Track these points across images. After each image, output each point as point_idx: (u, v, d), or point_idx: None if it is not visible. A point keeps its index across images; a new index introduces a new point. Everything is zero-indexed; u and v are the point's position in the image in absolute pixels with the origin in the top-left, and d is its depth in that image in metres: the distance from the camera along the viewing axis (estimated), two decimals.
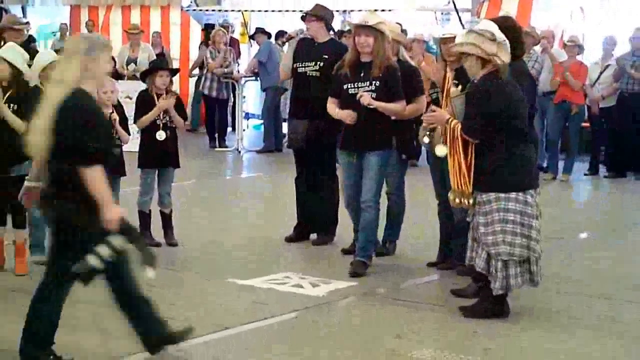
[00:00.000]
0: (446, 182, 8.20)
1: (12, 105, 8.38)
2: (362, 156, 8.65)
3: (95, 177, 5.75)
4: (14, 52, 8.53)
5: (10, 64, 8.39)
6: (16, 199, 8.34)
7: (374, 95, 8.51)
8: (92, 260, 5.76)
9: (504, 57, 7.19)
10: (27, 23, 12.56)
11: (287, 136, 10.09)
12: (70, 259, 5.85)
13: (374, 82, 8.54)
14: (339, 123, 8.86)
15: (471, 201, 7.24)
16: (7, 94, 8.39)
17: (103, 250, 5.77)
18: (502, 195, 7.14)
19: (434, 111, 7.59)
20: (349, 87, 8.64)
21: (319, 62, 9.66)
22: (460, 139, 7.17)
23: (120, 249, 5.88)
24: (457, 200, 7.32)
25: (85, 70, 5.85)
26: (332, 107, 8.79)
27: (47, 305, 6.07)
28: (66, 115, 5.74)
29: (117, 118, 9.24)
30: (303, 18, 10.10)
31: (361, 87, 8.57)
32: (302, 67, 9.81)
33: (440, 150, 7.52)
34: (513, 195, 7.15)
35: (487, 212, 7.16)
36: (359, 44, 8.51)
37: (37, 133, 5.83)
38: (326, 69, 9.45)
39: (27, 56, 8.67)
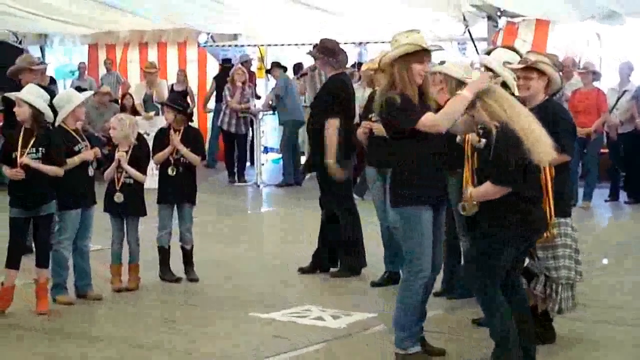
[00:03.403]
0: (452, 213, 8.26)
1: (40, 149, 8.44)
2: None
3: None
4: (34, 94, 8.58)
5: (30, 105, 8.45)
6: (44, 237, 8.48)
7: None
8: None
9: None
10: (44, 63, 12.46)
11: None
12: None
13: None
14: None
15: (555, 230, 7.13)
16: (33, 140, 8.45)
17: None
18: (562, 220, 7.18)
19: None
20: None
21: (314, 98, 9.97)
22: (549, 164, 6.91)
23: None
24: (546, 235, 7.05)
25: None
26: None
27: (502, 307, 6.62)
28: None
29: (125, 157, 9.31)
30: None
31: None
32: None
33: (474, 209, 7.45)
34: (568, 220, 7.25)
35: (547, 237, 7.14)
36: (421, 73, 6.86)
37: (548, 143, 6.46)
38: (315, 105, 10.05)
39: (47, 97, 8.72)
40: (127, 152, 9.39)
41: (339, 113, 9.71)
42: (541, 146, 6.42)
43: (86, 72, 22.19)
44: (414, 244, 6.83)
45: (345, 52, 10.21)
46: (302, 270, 10.07)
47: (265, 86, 21.12)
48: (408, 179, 6.81)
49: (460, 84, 7.44)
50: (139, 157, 9.47)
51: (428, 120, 6.67)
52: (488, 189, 6.50)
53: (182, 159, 9.68)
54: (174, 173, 9.66)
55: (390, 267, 9.44)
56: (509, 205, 6.49)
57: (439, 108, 6.97)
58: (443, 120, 6.68)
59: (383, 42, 14.96)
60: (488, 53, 8.26)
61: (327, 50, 9.92)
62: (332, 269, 10.02)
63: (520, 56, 7.65)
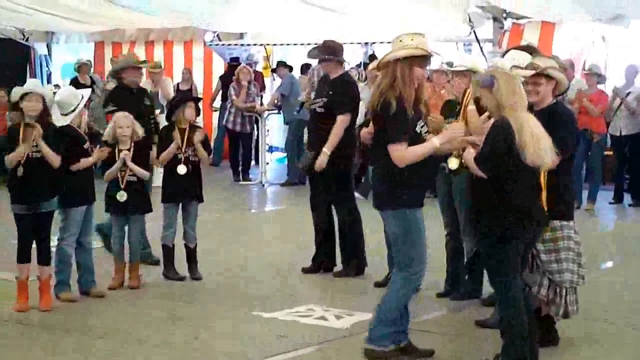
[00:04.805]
0: (456, 212, 8.30)
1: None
2: None
3: None
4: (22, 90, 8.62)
5: (44, 101, 8.51)
6: (45, 235, 8.51)
7: None
8: None
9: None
10: (145, 61, 12.03)
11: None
12: None
13: None
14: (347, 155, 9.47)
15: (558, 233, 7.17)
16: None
17: None
18: (565, 223, 7.17)
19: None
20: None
21: (323, 99, 9.83)
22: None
23: None
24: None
25: None
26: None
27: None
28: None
29: (129, 155, 9.32)
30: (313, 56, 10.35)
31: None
32: (313, 103, 10.01)
33: (453, 163, 7.48)
34: (571, 223, 7.23)
35: (550, 239, 7.14)
36: (420, 77, 6.98)
37: (543, 147, 6.48)
38: (329, 105, 9.79)
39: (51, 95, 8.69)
40: (129, 150, 9.40)
41: (351, 111, 9.79)
42: (533, 147, 6.45)
43: (91, 70, 22.07)
44: (414, 245, 6.89)
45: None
46: (305, 270, 10.09)
47: (270, 85, 21.14)
48: (408, 180, 6.83)
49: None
50: (142, 154, 9.50)
51: (398, 151, 6.75)
52: (471, 162, 6.63)
53: (190, 157, 9.70)
54: (185, 172, 9.67)
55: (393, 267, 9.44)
56: (509, 205, 6.51)
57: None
58: (407, 159, 6.76)
59: (389, 42, 14.95)
60: (503, 55, 8.27)
61: (334, 51, 9.96)
62: (335, 269, 10.04)
63: (531, 53, 7.66)
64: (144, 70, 11.60)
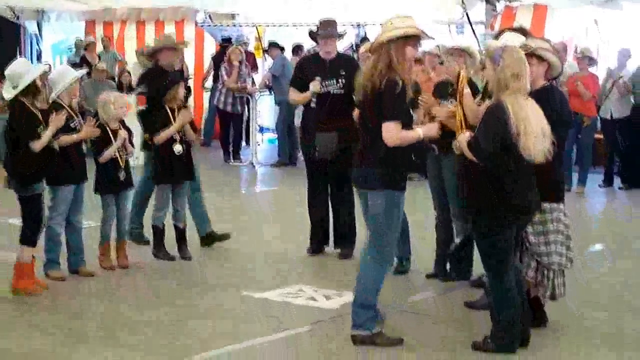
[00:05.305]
0: (446, 194, 8.30)
1: None
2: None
3: None
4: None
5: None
6: (42, 214, 8.49)
7: None
8: None
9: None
10: (182, 43, 11.48)
11: (315, 148, 9.95)
12: None
13: None
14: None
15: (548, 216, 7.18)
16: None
17: None
18: (555, 205, 7.17)
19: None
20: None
21: (340, 80, 9.71)
22: None
23: None
24: None
25: None
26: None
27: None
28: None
29: (127, 135, 9.30)
30: (313, 36, 10.18)
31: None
32: (326, 86, 9.80)
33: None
34: (561, 206, 7.23)
35: (540, 221, 7.13)
36: (411, 58, 7.03)
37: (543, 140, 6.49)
38: (348, 86, 9.48)
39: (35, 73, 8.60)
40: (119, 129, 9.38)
41: None
42: (530, 141, 6.44)
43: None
44: (393, 228, 6.93)
45: None
46: (310, 251, 10.07)
47: (262, 66, 21.09)
48: (410, 163, 6.91)
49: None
50: (129, 133, 9.50)
51: (392, 130, 6.73)
52: (465, 148, 6.64)
53: (183, 136, 9.71)
54: (181, 151, 9.66)
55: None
56: (509, 205, 6.53)
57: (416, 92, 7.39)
58: (397, 141, 6.75)
59: (382, 24, 14.92)
60: (497, 37, 8.22)
61: (336, 29, 9.93)
62: (328, 250, 10.02)
63: (524, 35, 7.65)
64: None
